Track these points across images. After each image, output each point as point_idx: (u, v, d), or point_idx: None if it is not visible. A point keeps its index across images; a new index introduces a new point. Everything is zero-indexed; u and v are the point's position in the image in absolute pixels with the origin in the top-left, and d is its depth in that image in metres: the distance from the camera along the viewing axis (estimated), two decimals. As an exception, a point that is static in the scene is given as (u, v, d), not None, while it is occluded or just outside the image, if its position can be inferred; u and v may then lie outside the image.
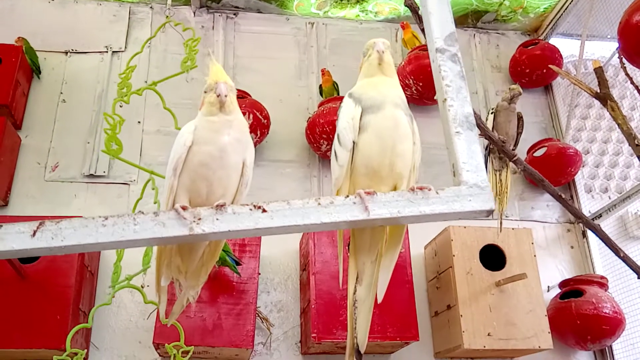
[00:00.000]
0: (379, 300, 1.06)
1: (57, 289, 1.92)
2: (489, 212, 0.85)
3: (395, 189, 1.03)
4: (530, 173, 1.75)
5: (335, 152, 1.06)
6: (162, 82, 2.42)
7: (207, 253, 1.10)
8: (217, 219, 0.83)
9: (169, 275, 1.09)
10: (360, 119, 1.02)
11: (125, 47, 2.80)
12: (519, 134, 1.85)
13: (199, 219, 0.83)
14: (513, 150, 1.81)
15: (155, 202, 1.69)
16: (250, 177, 1.05)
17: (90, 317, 1.49)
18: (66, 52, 2.75)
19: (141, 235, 0.81)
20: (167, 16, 1.96)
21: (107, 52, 2.77)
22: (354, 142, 1.02)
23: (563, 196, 1.76)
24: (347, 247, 1.30)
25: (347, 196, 0.86)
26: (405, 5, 1.61)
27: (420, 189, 0.86)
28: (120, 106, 1.72)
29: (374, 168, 1.02)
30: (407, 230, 2.13)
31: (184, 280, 1.10)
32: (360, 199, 0.85)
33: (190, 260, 1.08)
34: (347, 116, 1.04)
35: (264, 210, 0.83)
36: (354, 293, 1.07)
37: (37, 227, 0.80)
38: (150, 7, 2.91)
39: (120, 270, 1.87)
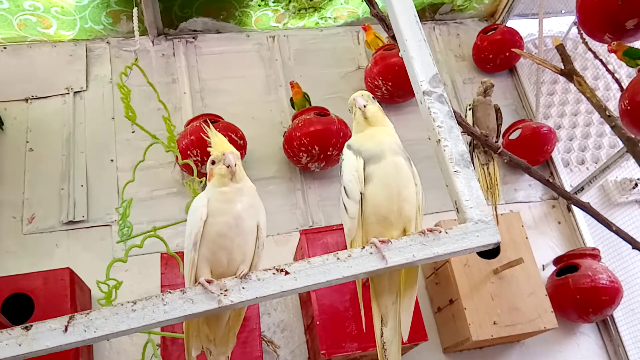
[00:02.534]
0: (405, 340, 1.09)
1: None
2: (496, 244, 0.90)
3: (405, 231, 1.07)
4: (517, 162, 1.77)
5: (344, 205, 1.09)
6: (138, 119, 2.38)
7: (232, 317, 1.12)
8: (243, 288, 0.87)
9: (199, 345, 1.10)
10: (363, 170, 1.06)
11: (87, 86, 2.73)
12: (499, 125, 1.88)
13: (226, 290, 0.87)
14: (496, 142, 1.83)
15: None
16: (264, 237, 1.08)
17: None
18: (26, 100, 2.66)
19: (172, 315, 0.84)
20: (135, 59, 1.92)
21: (68, 93, 2.70)
22: (361, 194, 1.06)
23: (550, 179, 1.77)
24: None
25: (363, 247, 0.91)
26: (372, 15, 1.61)
27: (430, 231, 0.92)
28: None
29: (384, 215, 1.05)
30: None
31: (214, 348, 1.11)
32: (376, 249, 0.90)
33: (218, 327, 1.09)
34: (351, 168, 1.07)
35: (286, 273, 0.88)
36: (382, 336, 1.10)
37: (68, 322, 0.82)
38: (107, 42, 2.85)
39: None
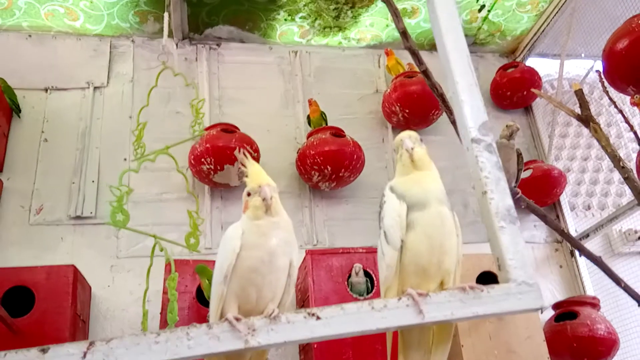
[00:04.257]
0: None
1: (51, 342, 1.85)
2: (538, 309, 0.86)
3: (442, 284, 1.03)
4: (533, 209, 1.78)
5: (383, 251, 1.06)
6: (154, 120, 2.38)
7: (254, 356, 1.09)
8: (271, 330, 0.83)
9: None
10: (406, 216, 1.02)
11: (108, 83, 2.75)
12: (519, 170, 1.88)
13: (254, 330, 0.83)
14: (515, 187, 1.83)
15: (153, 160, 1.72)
16: (296, 276, 1.05)
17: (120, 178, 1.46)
18: (46, 90, 2.67)
19: (196, 351, 0.80)
20: (163, 62, 1.93)
21: (88, 88, 2.71)
22: (402, 241, 1.02)
23: (565, 231, 1.79)
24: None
25: (400, 298, 0.86)
26: (405, 49, 1.62)
27: (472, 288, 0.87)
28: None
29: (423, 266, 1.01)
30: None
31: None
32: (413, 302, 0.85)
33: None
34: (393, 213, 1.03)
35: (318, 318, 0.83)
36: None
37: (88, 348, 0.78)
38: (132, 41, 2.86)
39: (145, 146, 1.83)
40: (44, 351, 0.78)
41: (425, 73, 1.73)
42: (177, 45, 2.89)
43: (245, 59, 2.97)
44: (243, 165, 1.05)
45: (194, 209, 2.58)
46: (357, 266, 2.15)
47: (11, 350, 0.79)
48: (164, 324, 2.07)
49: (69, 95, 2.69)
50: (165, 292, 2.11)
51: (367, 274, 2.16)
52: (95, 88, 2.71)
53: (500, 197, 0.90)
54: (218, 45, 2.96)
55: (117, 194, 1.41)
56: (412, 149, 1.06)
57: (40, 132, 2.58)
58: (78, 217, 2.41)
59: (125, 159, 2.59)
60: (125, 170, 1.38)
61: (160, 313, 2.08)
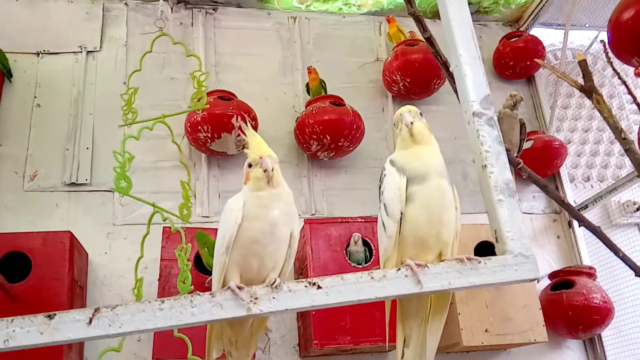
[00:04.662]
0: None
1: (49, 308, 1.84)
2: (534, 280, 0.89)
3: (440, 256, 1.05)
4: (535, 180, 1.76)
5: (383, 223, 1.07)
6: (149, 86, 2.33)
7: (256, 322, 1.11)
8: (273, 298, 0.85)
9: (220, 348, 1.10)
10: (406, 189, 1.03)
11: (101, 47, 2.68)
12: (521, 140, 1.86)
13: (256, 298, 0.86)
14: (517, 157, 1.81)
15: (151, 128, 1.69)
16: (297, 246, 1.06)
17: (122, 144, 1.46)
18: (38, 54, 2.61)
19: (199, 318, 0.82)
20: (160, 28, 1.87)
21: (81, 52, 2.64)
22: (401, 213, 1.03)
23: (565, 202, 1.77)
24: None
25: (399, 269, 0.89)
26: (409, 14, 1.58)
27: (469, 259, 0.90)
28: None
29: (422, 238, 1.03)
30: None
31: (234, 351, 1.10)
32: (412, 272, 0.88)
33: (241, 331, 1.09)
34: (393, 186, 1.05)
35: (318, 287, 0.86)
36: (402, 357, 1.10)
37: (93, 314, 0.80)
38: (125, 4, 2.78)
39: (137, 113, 1.79)
40: (50, 317, 0.80)
41: (429, 40, 1.69)
42: (172, 9, 2.81)
43: (243, 24, 2.90)
44: (243, 133, 1.04)
45: (190, 176, 2.56)
46: (356, 235, 2.14)
47: (18, 317, 0.81)
48: (161, 291, 2.07)
49: (62, 59, 2.62)
50: (163, 259, 2.10)
51: (365, 243, 2.15)
52: (88, 52, 2.65)
53: (500, 171, 0.92)
54: (214, 9, 2.89)
55: (120, 160, 1.38)
56: (411, 123, 1.08)
57: (32, 97, 2.53)
58: (73, 184, 2.38)
59: (120, 125, 2.53)
60: (127, 136, 1.35)
61: (158, 280, 2.07)
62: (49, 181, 2.38)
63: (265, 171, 0.98)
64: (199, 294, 0.84)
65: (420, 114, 1.12)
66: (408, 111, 1.10)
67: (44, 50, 2.62)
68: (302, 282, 0.87)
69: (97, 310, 0.80)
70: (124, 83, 2.62)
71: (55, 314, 0.79)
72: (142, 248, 1.63)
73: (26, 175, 2.37)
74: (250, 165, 1.02)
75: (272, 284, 0.87)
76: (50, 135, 2.47)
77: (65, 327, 0.78)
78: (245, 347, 1.11)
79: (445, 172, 1.07)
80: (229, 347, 1.10)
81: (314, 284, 0.85)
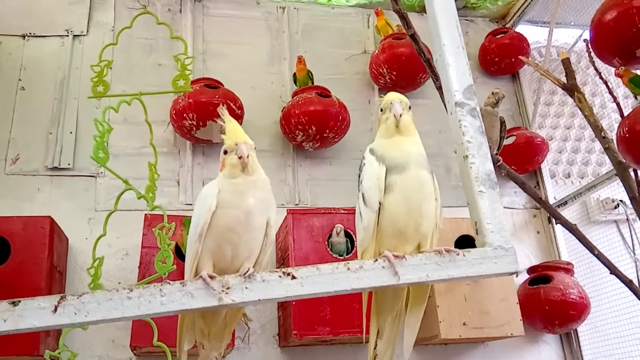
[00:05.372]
0: (406, 359, 1.07)
1: (27, 292, 1.84)
2: (513, 273, 0.88)
3: (419, 247, 1.02)
4: (513, 177, 1.78)
5: (360, 213, 1.04)
6: (135, 71, 2.30)
7: (229, 314, 1.08)
8: (246, 288, 0.83)
9: (192, 339, 1.07)
10: (385, 178, 1.01)
11: (88, 31, 2.65)
12: (501, 138, 1.88)
13: (228, 288, 0.83)
14: (497, 154, 1.83)
15: (129, 103, 1.62)
16: (273, 235, 1.03)
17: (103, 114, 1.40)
18: (24, 36, 2.57)
19: (169, 307, 0.80)
20: (144, 6, 1.85)
21: (67, 35, 2.62)
22: (380, 203, 1.00)
23: (543, 199, 1.80)
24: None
25: (376, 260, 0.87)
26: (394, 11, 1.59)
27: (448, 251, 0.89)
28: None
29: (400, 229, 1.00)
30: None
31: (207, 343, 1.08)
32: (389, 263, 0.86)
33: (214, 323, 1.06)
34: (372, 176, 1.02)
35: (293, 277, 0.83)
36: (375, 348, 1.08)
37: (59, 302, 0.77)
38: (113, -12, 2.75)
39: (109, 86, 1.74)
40: (14, 304, 0.77)
41: (413, 37, 1.70)
42: (160, -5, 2.79)
43: (231, 12, 2.88)
44: (220, 119, 1.01)
45: (174, 163, 2.56)
46: (339, 226, 2.16)
47: None
48: (141, 279, 2.06)
49: (48, 42, 2.59)
50: (144, 247, 2.10)
51: (347, 234, 2.17)
52: (74, 36, 2.62)
53: (481, 162, 0.90)
54: (203, -3, 2.87)
55: (100, 129, 1.36)
56: (400, 115, 1.04)
57: (17, 79, 2.50)
58: (55, 168, 2.36)
59: (89, 97, 2.51)
60: (107, 107, 1.34)
61: (139, 267, 2.07)
62: (31, 165, 2.37)
63: (240, 158, 0.95)
64: (169, 283, 0.81)
65: (409, 107, 1.08)
66: (400, 101, 1.06)
67: (30, 33, 2.59)
68: (276, 272, 0.84)
69: (62, 297, 0.77)
70: (111, 69, 2.59)
71: (19, 301, 0.77)
72: (105, 227, 1.54)
73: (8, 158, 2.35)
74: (225, 152, 0.99)
75: (245, 274, 0.84)
76: (34, 118, 2.45)
77: (29, 314, 0.76)
78: (218, 338, 1.08)
79: (426, 162, 1.05)
80: (201, 338, 1.07)
81: (289, 274, 0.84)
